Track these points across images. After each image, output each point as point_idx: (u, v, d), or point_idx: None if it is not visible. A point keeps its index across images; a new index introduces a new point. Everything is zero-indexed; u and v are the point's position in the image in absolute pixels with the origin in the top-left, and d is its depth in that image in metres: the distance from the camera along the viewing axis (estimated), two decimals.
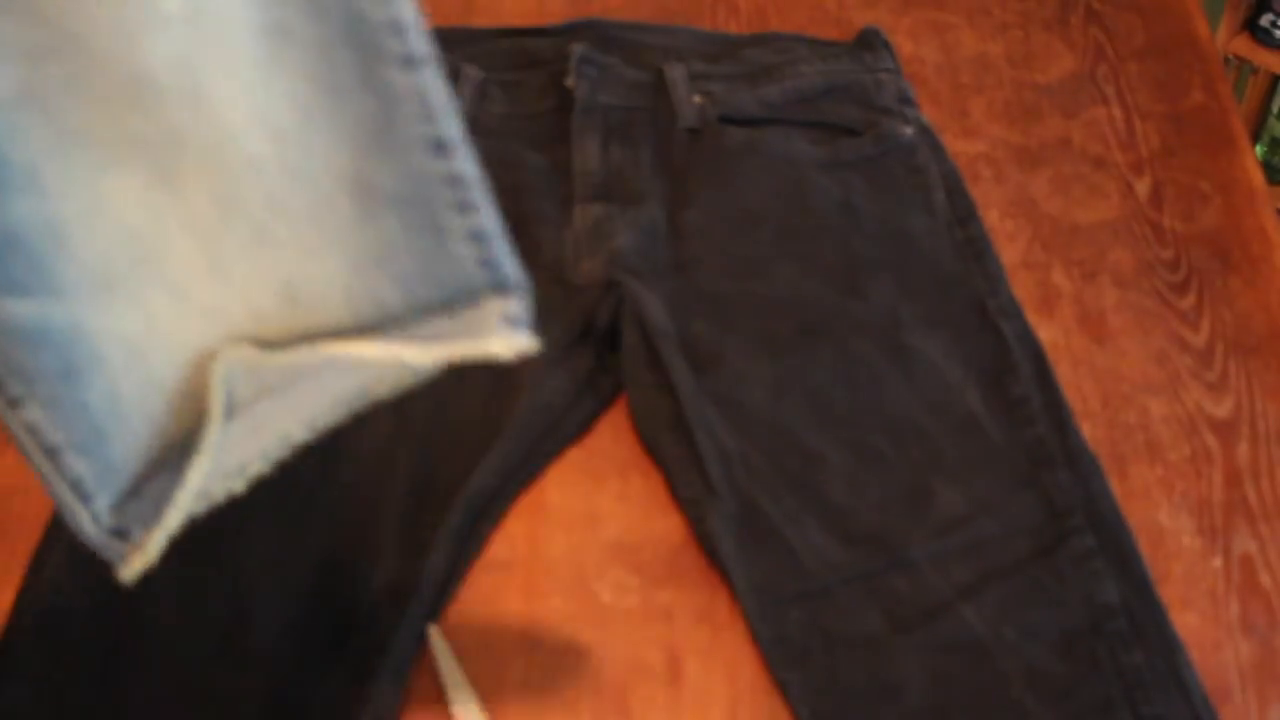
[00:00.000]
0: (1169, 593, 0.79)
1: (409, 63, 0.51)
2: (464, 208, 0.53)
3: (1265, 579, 0.81)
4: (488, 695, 0.72)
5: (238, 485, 0.57)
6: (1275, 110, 1.73)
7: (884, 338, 0.88)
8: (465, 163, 0.52)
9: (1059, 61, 1.07)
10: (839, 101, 0.99)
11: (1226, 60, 1.63)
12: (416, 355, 0.53)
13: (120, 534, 0.56)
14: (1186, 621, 0.78)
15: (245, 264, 0.54)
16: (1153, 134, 1.02)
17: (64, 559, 0.77)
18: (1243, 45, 1.63)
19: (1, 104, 0.51)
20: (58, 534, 0.77)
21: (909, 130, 0.97)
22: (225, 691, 0.74)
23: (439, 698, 0.75)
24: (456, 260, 0.53)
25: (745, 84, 1.00)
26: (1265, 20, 1.61)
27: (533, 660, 0.76)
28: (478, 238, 0.53)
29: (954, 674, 0.76)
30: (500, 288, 0.54)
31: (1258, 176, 1.00)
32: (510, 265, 0.54)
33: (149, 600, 0.75)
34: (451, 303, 0.54)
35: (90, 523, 0.56)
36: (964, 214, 0.94)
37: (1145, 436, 0.86)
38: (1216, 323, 0.92)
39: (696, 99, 0.98)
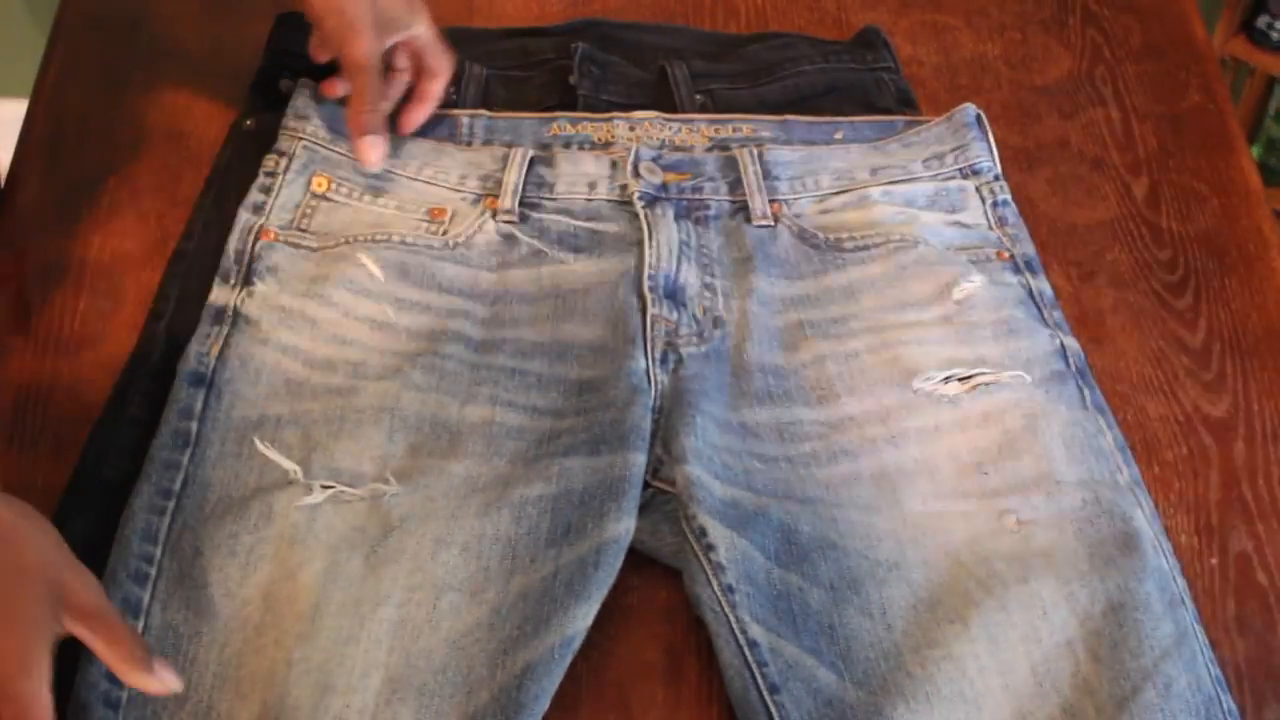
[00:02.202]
0: None
1: None
2: None
3: (1262, 578, 0.81)
4: None
5: None
6: (1272, 111, 1.73)
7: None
8: None
9: (1057, 63, 1.07)
10: (839, 101, 0.99)
11: (1223, 62, 1.64)
12: None
13: None
14: None
15: None
16: (1150, 135, 1.02)
17: None
18: (1239, 47, 1.63)
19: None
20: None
21: None
22: None
23: None
24: None
25: (746, 82, 1.00)
26: (1262, 22, 1.61)
27: None
28: None
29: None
30: None
31: (1254, 177, 1.00)
32: None
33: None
34: None
35: None
36: None
37: (1142, 436, 0.86)
38: (1213, 323, 0.92)
39: (697, 97, 0.98)
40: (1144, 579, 0.76)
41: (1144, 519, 0.78)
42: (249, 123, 0.94)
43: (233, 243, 0.87)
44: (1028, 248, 0.90)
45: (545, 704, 0.71)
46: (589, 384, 0.83)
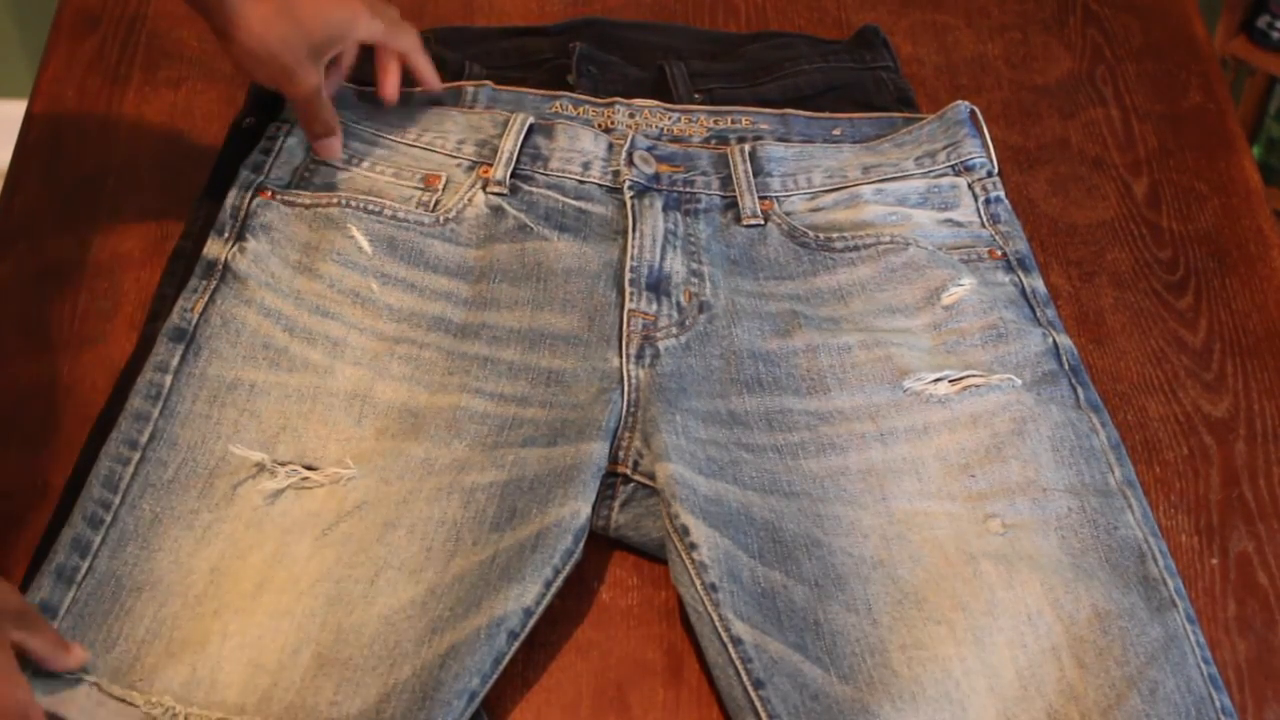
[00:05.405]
0: None
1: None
2: None
3: (1262, 578, 0.81)
4: (488, 695, 0.72)
5: None
6: (1272, 111, 1.73)
7: None
8: None
9: (1057, 63, 1.07)
10: (837, 100, 0.99)
11: (1224, 62, 1.64)
12: None
13: None
14: None
15: None
16: (1150, 135, 1.02)
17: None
18: (1240, 47, 1.63)
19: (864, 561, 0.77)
20: (56, 534, 0.77)
21: None
22: None
23: None
24: None
25: (744, 81, 1.00)
26: (1262, 22, 1.61)
27: (532, 660, 0.76)
28: None
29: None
30: None
31: (1255, 177, 1.00)
32: None
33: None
34: None
35: None
36: None
37: (1143, 436, 0.86)
38: (1214, 322, 0.92)
39: (696, 96, 0.99)
40: (1129, 586, 0.76)
41: (1133, 522, 0.78)
42: (249, 122, 0.94)
43: (230, 198, 0.88)
44: (1020, 245, 0.90)
45: (471, 683, 0.70)
46: (557, 375, 0.83)
